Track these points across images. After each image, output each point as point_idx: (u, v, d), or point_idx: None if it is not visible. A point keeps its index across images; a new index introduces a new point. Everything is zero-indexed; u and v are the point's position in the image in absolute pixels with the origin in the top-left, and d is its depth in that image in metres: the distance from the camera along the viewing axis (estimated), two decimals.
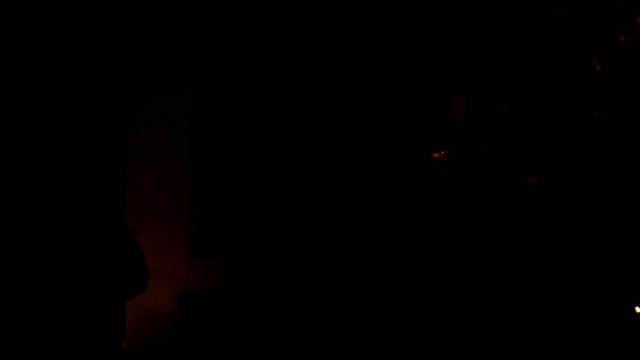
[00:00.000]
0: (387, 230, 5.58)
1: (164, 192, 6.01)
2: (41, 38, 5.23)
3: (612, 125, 5.15)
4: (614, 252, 5.19)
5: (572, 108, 5.24)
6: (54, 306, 4.10)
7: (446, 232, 5.53)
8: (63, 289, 4.08)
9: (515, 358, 5.17)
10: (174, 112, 6.01)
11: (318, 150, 5.73)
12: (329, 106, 5.72)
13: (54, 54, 5.29)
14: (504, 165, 5.43)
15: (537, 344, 5.16)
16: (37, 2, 5.22)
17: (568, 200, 5.30)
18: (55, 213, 4.20)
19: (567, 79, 5.20)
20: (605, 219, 5.22)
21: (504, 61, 5.39)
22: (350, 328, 5.45)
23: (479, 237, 5.45)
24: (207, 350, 5.53)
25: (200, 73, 5.90)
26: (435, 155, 5.58)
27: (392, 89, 5.63)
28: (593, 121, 5.20)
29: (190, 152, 5.99)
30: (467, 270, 5.44)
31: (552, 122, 5.33)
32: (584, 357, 5.06)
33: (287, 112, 5.80)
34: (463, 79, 5.52)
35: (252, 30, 5.76)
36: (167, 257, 5.91)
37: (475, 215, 5.49)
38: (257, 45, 5.78)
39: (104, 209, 4.40)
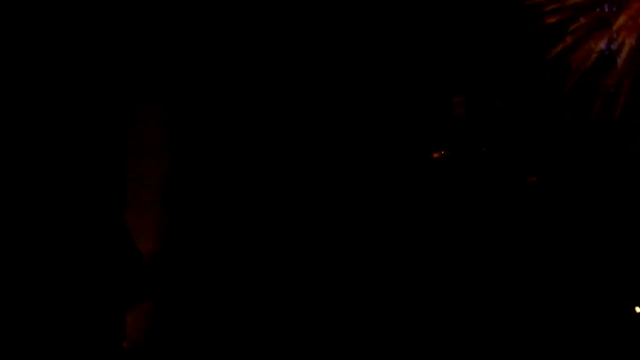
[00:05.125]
0: (387, 229, 5.59)
1: (164, 192, 6.01)
2: (45, 45, 5.25)
3: (612, 126, 5.16)
4: (614, 252, 5.20)
5: (572, 108, 5.25)
6: (54, 307, 4.11)
7: (446, 231, 5.53)
8: (63, 290, 4.10)
9: (515, 358, 5.18)
10: (174, 113, 6.02)
11: (318, 151, 5.74)
12: (329, 107, 5.73)
13: (60, 59, 5.31)
14: (504, 165, 5.44)
15: (537, 344, 5.17)
16: (40, 5, 5.23)
17: (568, 200, 5.31)
18: (54, 215, 4.22)
19: (566, 79, 5.21)
20: (605, 218, 5.23)
21: (504, 61, 5.39)
22: (350, 327, 5.45)
23: (479, 237, 5.46)
24: (207, 350, 5.54)
25: (197, 75, 5.91)
26: (435, 155, 5.59)
27: (393, 89, 5.64)
28: (592, 121, 5.21)
29: (191, 153, 5.99)
30: (467, 269, 5.44)
31: (552, 122, 5.34)
32: (584, 357, 5.06)
33: (285, 113, 5.81)
34: (463, 79, 5.52)
35: (251, 32, 5.76)
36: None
37: (475, 214, 5.49)
38: (256, 46, 5.78)
39: (103, 211, 4.42)
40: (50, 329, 4.14)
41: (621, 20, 4.86)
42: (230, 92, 5.91)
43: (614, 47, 4.90)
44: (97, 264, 4.16)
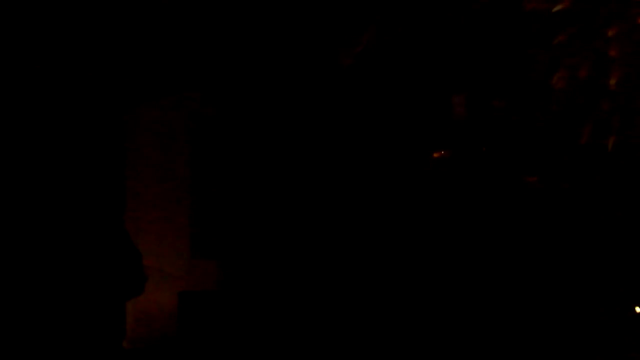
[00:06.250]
0: (387, 230, 5.58)
1: (164, 192, 6.01)
2: (42, 38, 5.24)
3: (611, 126, 5.15)
4: (614, 252, 5.19)
5: (572, 108, 5.24)
6: (54, 307, 4.10)
7: (446, 231, 5.53)
8: (63, 290, 4.09)
9: (515, 358, 5.17)
10: (174, 113, 6.01)
11: (318, 151, 5.73)
12: (330, 108, 5.73)
13: (55, 53, 5.30)
14: (504, 165, 5.43)
15: (537, 344, 5.16)
16: (40, 3, 5.22)
17: (568, 200, 5.30)
18: (54, 216, 4.21)
19: (565, 79, 5.20)
20: (605, 218, 5.22)
21: (503, 61, 5.38)
22: (350, 327, 5.45)
23: (479, 237, 5.45)
24: (207, 350, 5.54)
25: (200, 75, 5.90)
26: (435, 155, 5.58)
27: (393, 89, 5.63)
28: (592, 121, 5.20)
29: (191, 153, 5.99)
30: (467, 269, 5.44)
31: (551, 122, 5.33)
32: (584, 357, 5.06)
33: (287, 113, 5.80)
34: (463, 79, 5.51)
35: (254, 31, 5.76)
36: (167, 257, 5.91)
37: (475, 214, 5.49)
38: (258, 46, 5.78)
39: (103, 212, 4.41)
40: (49, 328, 4.13)
41: (614, 30, 4.85)
42: (240, 92, 5.92)
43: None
44: (96, 265, 4.16)
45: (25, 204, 4.37)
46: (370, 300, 5.50)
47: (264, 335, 5.49)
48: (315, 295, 5.56)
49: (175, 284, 5.81)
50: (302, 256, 5.68)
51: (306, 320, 5.51)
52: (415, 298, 5.45)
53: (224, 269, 5.86)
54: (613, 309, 5.14)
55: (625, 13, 4.95)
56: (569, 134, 5.26)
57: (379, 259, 5.56)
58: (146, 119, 6.04)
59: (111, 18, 5.55)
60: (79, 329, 4.17)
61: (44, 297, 4.14)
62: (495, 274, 5.37)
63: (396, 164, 5.63)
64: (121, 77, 5.76)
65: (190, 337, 5.58)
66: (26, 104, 5.09)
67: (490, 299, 5.33)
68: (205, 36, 5.79)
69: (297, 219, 5.73)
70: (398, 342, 5.36)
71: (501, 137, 5.45)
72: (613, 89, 5.05)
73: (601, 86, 5.13)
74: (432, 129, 5.59)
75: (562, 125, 5.29)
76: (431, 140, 5.59)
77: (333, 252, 5.62)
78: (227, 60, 5.86)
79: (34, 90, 5.14)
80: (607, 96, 5.11)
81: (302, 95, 5.78)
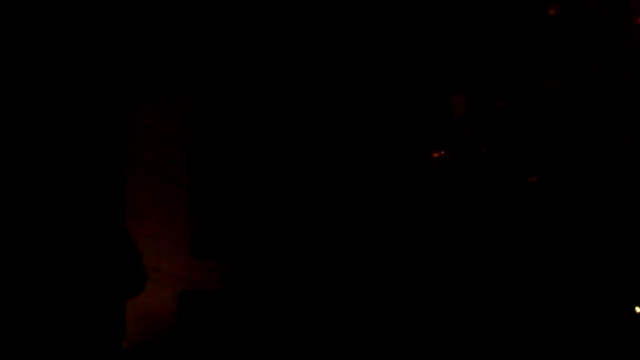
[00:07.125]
0: (387, 230, 5.58)
1: (164, 192, 6.01)
2: (42, 39, 5.24)
3: (612, 125, 5.15)
4: (614, 252, 5.19)
5: (572, 108, 5.24)
6: (53, 307, 4.10)
7: (446, 232, 5.53)
8: (62, 289, 4.09)
9: (515, 358, 5.17)
10: (174, 112, 6.02)
11: (318, 151, 5.73)
12: (329, 107, 5.73)
13: (54, 54, 5.30)
14: (504, 165, 5.43)
15: (537, 344, 5.16)
16: (37, 2, 5.23)
17: (568, 200, 5.30)
18: (54, 215, 4.21)
19: (567, 79, 5.21)
20: (605, 218, 5.22)
21: (504, 61, 5.39)
22: (350, 328, 5.45)
23: (479, 238, 5.45)
24: (207, 351, 5.54)
25: (201, 73, 5.91)
26: (435, 155, 5.58)
27: (392, 89, 5.63)
28: (593, 121, 5.21)
29: (191, 153, 5.99)
30: (467, 270, 5.44)
31: (552, 122, 5.33)
32: (584, 357, 5.06)
33: (287, 113, 5.80)
34: (463, 79, 5.51)
35: (252, 30, 5.76)
36: (167, 257, 5.92)
37: (475, 215, 5.49)
38: (256, 45, 5.79)
39: (103, 211, 4.41)
40: (49, 328, 4.14)
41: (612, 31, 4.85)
42: (240, 91, 5.92)
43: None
44: (96, 265, 4.16)
45: (24, 204, 4.37)
46: (372, 299, 5.50)
47: (264, 336, 5.49)
48: (316, 295, 5.56)
49: (175, 284, 5.81)
50: (303, 256, 5.68)
51: (307, 320, 5.51)
52: (416, 298, 5.45)
53: (224, 269, 5.86)
54: (613, 309, 5.15)
55: (624, 14, 4.96)
56: (569, 134, 5.27)
57: (380, 259, 5.56)
58: (146, 120, 6.04)
59: (111, 19, 5.56)
60: (79, 329, 4.17)
61: (44, 297, 4.14)
62: (495, 273, 5.37)
63: (396, 163, 5.63)
64: (121, 78, 5.76)
65: (190, 337, 5.58)
66: (26, 104, 5.10)
67: (490, 299, 5.33)
68: (203, 37, 5.80)
69: (297, 218, 5.73)
70: (399, 342, 5.36)
71: (501, 137, 5.45)
72: (613, 89, 5.06)
73: (601, 87, 5.13)
74: (432, 129, 5.59)
75: (562, 126, 5.30)
76: (431, 140, 5.59)
77: (333, 252, 5.62)
78: (226, 61, 5.86)
79: (35, 91, 5.14)
80: (607, 97, 5.11)
81: (301, 95, 5.78)
